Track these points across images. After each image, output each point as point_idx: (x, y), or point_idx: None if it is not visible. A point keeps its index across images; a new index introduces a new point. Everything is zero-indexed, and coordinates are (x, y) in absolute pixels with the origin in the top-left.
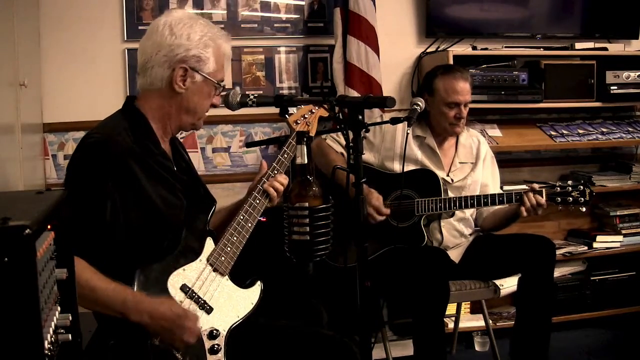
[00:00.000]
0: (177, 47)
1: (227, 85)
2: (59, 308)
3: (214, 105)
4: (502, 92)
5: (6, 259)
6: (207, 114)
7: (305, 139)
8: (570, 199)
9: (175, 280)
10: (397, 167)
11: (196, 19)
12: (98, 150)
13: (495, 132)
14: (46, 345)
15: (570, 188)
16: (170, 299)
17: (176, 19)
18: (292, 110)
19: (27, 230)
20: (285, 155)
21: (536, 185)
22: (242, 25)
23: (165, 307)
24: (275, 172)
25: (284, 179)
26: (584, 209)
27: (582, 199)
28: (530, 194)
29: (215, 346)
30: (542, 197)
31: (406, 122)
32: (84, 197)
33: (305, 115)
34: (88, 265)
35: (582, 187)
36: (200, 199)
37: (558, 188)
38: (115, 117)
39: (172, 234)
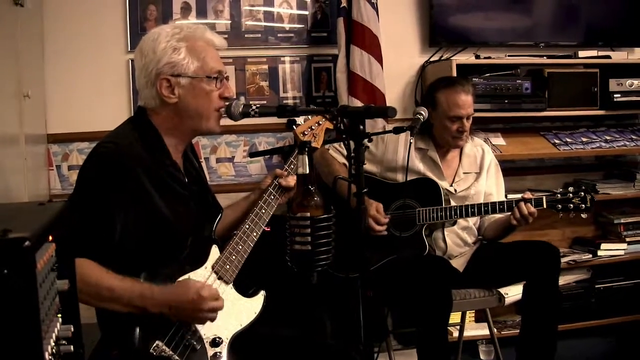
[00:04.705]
0: (148, 65)
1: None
2: (60, 319)
3: (225, 98)
4: (506, 101)
5: (6, 271)
6: (220, 107)
7: (306, 149)
8: (571, 205)
9: None
10: (399, 177)
11: (161, 29)
12: (109, 161)
13: (498, 140)
14: (47, 356)
15: (571, 195)
16: (182, 283)
17: (143, 40)
18: (299, 121)
19: (27, 243)
20: (292, 166)
21: (528, 194)
22: (246, 35)
23: (180, 294)
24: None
25: (292, 178)
26: (585, 216)
27: (583, 205)
28: (522, 204)
29: (218, 354)
30: (541, 204)
31: (409, 132)
32: (94, 206)
33: (313, 127)
34: (98, 265)
35: (582, 193)
36: (208, 207)
37: (559, 195)
38: (126, 127)
39: (179, 243)
